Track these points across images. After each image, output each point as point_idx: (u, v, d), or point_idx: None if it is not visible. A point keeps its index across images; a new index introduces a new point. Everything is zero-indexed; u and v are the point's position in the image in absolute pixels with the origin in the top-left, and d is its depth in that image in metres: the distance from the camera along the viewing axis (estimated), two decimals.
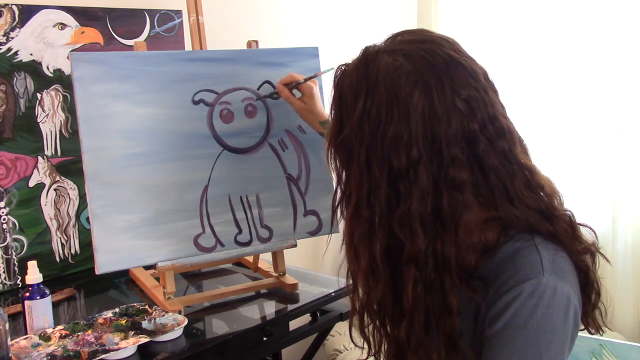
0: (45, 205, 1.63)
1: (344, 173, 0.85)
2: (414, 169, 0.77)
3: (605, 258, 0.86)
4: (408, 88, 0.77)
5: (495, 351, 0.75)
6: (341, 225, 0.87)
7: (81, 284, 1.63)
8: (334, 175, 0.87)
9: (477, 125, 0.78)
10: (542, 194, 0.82)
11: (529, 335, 0.74)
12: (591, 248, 0.84)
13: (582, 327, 0.85)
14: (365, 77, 0.81)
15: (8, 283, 1.57)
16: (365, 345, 0.90)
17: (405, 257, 0.79)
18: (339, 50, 1.53)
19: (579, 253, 0.81)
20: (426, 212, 0.77)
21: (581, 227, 0.85)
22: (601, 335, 0.96)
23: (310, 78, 1.43)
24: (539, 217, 0.80)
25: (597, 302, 0.84)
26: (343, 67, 0.86)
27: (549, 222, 0.80)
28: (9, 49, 1.55)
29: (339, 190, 0.86)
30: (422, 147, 0.76)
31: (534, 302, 0.74)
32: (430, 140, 0.77)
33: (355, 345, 0.96)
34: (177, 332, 1.27)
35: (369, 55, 0.82)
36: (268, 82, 1.50)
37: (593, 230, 0.86)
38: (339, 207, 0.86)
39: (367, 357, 0.93)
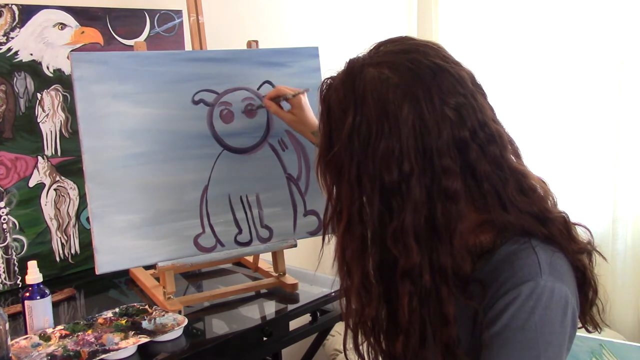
0: (45, 205, 1.63)
1: (334, 189, 0.84)
2: (406, 183, 0.76)
3: (602, 256, 0.86)
4: (397, 102, 0.76)
5: (494, 353, 0.75)
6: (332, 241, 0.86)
7: (81, 284, 1.63)
8: (324, 192, 0.86)
9: (468, 132, 0.77)
10: (535, 197, 0.82)
11: (527, 336, 0.74)
12: (587, 247, 0.84)
13: (580, 325, 0.85)
14: (352, 91, 0.80)
15: (8, 283, 1.57)
16: None
17: (400, 272, 0.78)
18: (339, 50, 1.53)
19: (575, 253, 0.81)
20: (420, 225, 0.77)
21: (577, 227, 0.85)
22: (600, 334, 0.96)
23: (299, 93, 1.39)
24: (533, 221, 0.80)
25: (594, 300, 0.84)
26: (329, 81, 0.85)
27: (543, 225, 0.80)
28: (9, 49, 1.55)
29: (329, 207, 0.85)
30: (414, 159, 0.76)
31: (532, 304, 0.74)
32: (422, 152, 0.76)
33: None
34: (177, 332, 1.27)
35: (355, 69, 0.81)
36: (268, 82, 1.50)
37: (588, 229, 0.86)
38: (330, 223, 0.85)
39: None
